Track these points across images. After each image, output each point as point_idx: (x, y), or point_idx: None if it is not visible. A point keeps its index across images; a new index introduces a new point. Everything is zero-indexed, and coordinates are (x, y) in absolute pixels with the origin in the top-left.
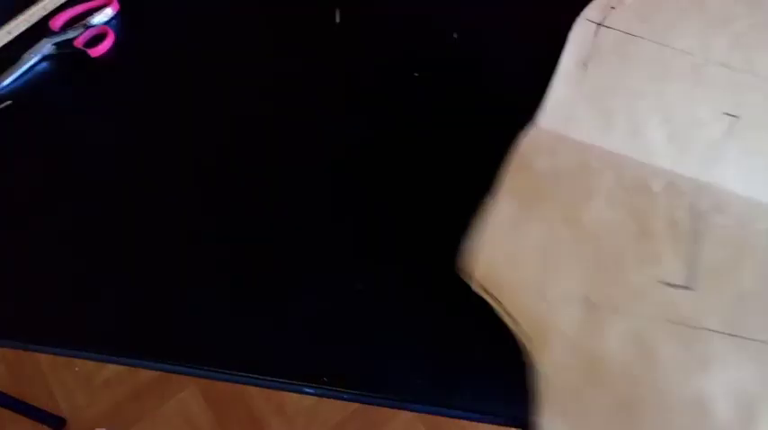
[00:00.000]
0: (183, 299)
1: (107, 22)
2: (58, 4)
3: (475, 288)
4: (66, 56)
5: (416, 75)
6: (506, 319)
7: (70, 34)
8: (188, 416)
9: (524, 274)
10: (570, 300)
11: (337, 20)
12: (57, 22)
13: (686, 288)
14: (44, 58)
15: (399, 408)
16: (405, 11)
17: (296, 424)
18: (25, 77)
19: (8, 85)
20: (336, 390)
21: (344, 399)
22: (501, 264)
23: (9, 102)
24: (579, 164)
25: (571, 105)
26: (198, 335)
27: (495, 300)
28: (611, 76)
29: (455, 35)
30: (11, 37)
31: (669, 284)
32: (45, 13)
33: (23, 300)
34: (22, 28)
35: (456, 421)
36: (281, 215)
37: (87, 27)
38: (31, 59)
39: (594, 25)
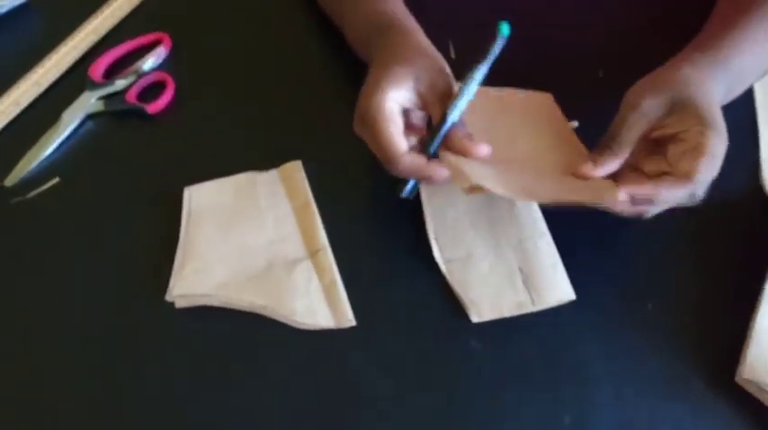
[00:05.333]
0: None
1: (161, 67)
2: (92, 43)
3: None
4: (118, 113)
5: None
6: None
7: (119, 85)
8: None
9: None
10: None
11: (452, 55)
12: (97, 69)
13: None
14: (89, 117)
15: None
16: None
17: None
18: (70, 143)
19: (51, 154)
20: None
21: None
22: None
23: (56, 179)
24: None
25: None
26: None
27: None
28: None
29: (601, 73)
30: (41, 89)
31: None
32: (78, 54)
33: None
34: (54, 76)
35: None
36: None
37: (139, 75)
38: (73, 120)
39: None
